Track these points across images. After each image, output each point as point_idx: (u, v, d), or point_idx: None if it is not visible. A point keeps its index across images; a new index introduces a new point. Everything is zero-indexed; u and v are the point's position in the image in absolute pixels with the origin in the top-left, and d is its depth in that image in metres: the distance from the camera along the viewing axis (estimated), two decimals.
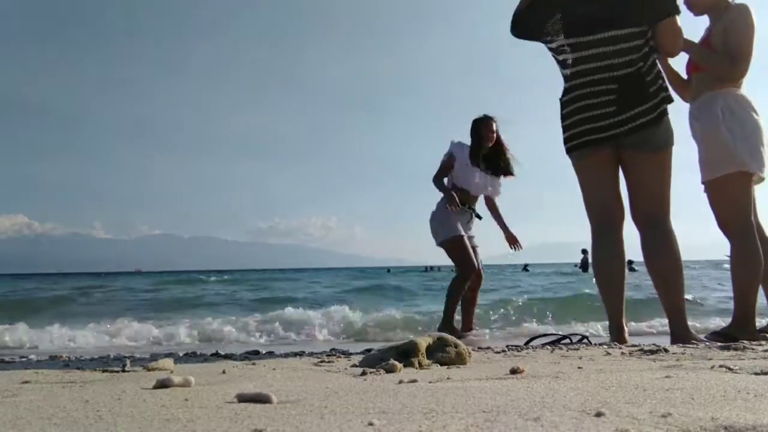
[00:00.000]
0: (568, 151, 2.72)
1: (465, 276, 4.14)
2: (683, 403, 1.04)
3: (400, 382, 1.41)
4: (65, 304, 9.47)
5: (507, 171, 4.35)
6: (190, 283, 17.75)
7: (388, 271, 41.02)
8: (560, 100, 2.75)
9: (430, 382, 1.41)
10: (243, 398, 1.14)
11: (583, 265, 21.28)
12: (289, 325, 4.84)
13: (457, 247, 4.17)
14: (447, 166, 4.29)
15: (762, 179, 2.74)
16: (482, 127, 4.28)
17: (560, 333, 3.44)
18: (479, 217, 4.39)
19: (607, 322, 2.91)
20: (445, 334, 2.02)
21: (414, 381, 1.42)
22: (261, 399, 1.13)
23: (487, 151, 4.25)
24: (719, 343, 2.38)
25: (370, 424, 0.89)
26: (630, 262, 22.61)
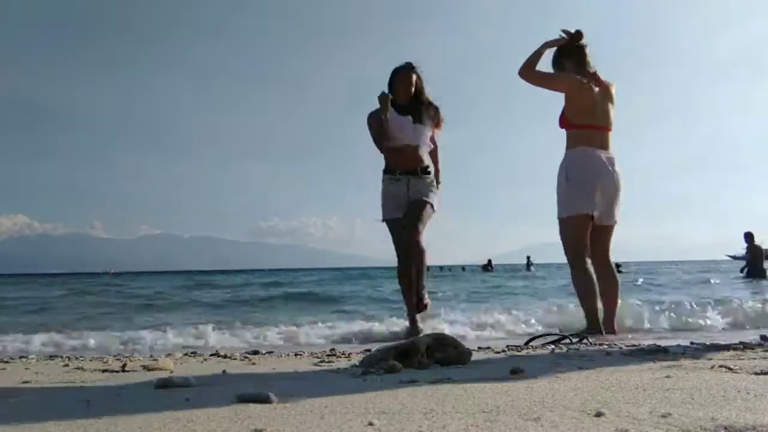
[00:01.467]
0: None
1: (399, 262, 3.82)
2: (683, 403, 1.04)
3: (400, 382, 1.41)
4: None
5: (421, 118, 3.85)
6: (235, 285, 16.21)
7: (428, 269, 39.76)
8: None
9: (430, 382, 1.41)
10: (243, 398, 1.14)
11: None
12: None
13: (389, 231, 3.88)
14: (375, 124, 3.87)
15: (596, 219, 3.39)
16: (395, 79, 3.91)
17: (560, 333, 3.43)
18: (427, 172, 3.87)
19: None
20: (445, 334, 2.02)
21: (414, 381, 1.42)
22: (261, 399, 1.13)
23: (405, 103, 3.86)
24: (576, 338, 2.96)
25: (370, 424, 0.89)
26: (618, 265, 22.60)
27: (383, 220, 3.89)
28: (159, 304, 8.89)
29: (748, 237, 12.77)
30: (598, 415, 0.92)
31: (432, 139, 3.95)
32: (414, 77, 3.89)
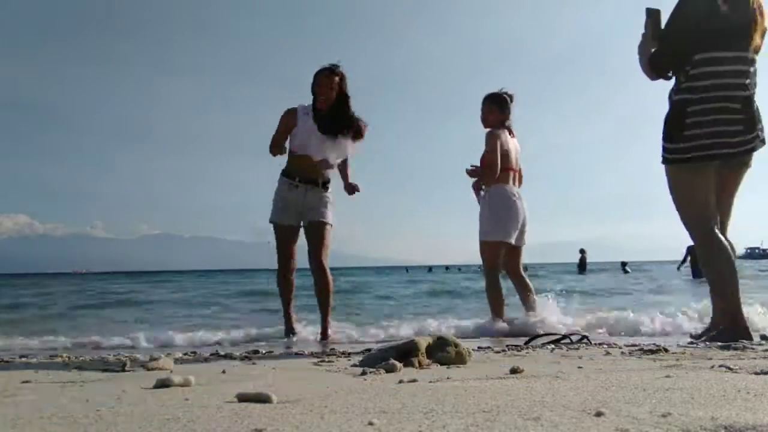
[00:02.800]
0: (689, 160, 2.69)
1: (279, 268, 3.79)
2: (683, 402, 1.04)
3: (400, 381, 1.41)
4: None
5: (339, 131, 3.63)
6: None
7: (430, 270, 40.22)
8: (683, 109, 2.68)
9: (430, 382, 1.41)
10: (243, 398, 1.14)
11: (581, 265, 20.89)
12: None
13: (274, 234, 3.78)
14: (284, 124, 3.71)
15: (511, 244, 4.06)
16: (315, 82, 3.66)
17: (560, 333, 3.44)
18: (326, 187, 3.76)
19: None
20: (445, 334, 2.02)
21: (414, 381, 1.42)
22: (261, 399, 1.13)
23: (325, 110, 3.64)
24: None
25: (370, 423, 0.89)
26: (624, 264, 22.64)
27: (271, 221, 3.78)
28: (95, 303, 9.41)
29: None
30: (598, 414, 0.92)
31: (345, 153, 3.74)
32: (336, 80, 3.64)
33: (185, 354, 2.89)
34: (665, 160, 2.78)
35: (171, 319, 6.02)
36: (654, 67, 2.76)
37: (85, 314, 7.20)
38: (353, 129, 3.68)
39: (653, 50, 2.76)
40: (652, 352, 2.26)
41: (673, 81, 2.78)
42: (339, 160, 3.77)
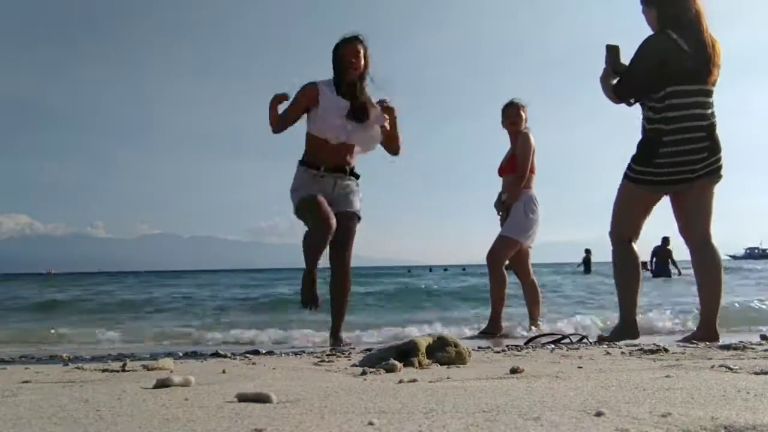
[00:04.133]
0: (658, 183, 2.99)
1: (310, 231, 3.18)
2: (683, 402, 1.04)
3: (400, 381, 1.41)
4: None
5: (364, 115, 3.22)
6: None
7: (430, 270, 40.36)
8: (659, 138, 2.94)
9: (430, 382, 1.41)
10: (243, 398, 1.14)
11: (585, 265, 20.67)
12: None
13: (305, 207, 3.19)
14: (299, 101, 3.25)
15: (528, 246, 4.21)
16: (339, 53, 3.23)
17: (560, 333, 3.44)
18: (356, 176, 3.39)
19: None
20: (445, 334, 2.02)
21: (414, 381, 1.42)
22: (261, 399, 1.13)
23: (352, 85, 3.23)
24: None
25: (370, 423, 0.89)
26: (644, 264, 22.91)
27: (302, 198, 3.20)
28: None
29: (664, 240, 14.98)
30: (598, 414, 0.92)
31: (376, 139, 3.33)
32: (362, 50, 3.24)
33: (185, 353, 2.89)
34: (628, 177, 3.07)
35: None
36: (619, 95, 3.08)
37: None
38: (384, 113, 3.28)
39: (619, 79, 3.08)
40: (652, 352, 2.27)
41: (639, 108, 3.08)
42: (371, 146, 3.35)
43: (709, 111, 2.94)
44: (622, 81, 3.05)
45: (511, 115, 4.19)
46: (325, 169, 3.25)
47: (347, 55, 3.21)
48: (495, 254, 4.13)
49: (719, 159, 2.97)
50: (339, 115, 3.20)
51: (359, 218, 3.39)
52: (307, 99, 3.26)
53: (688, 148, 2.90)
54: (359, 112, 3.21)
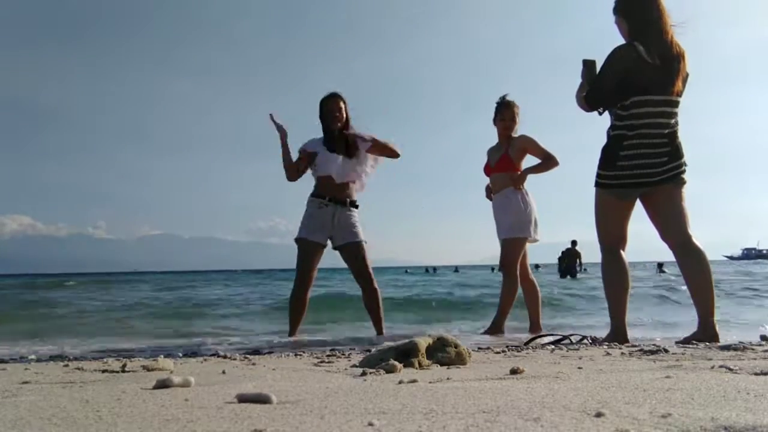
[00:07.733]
0: (620, 186, 3.07)
1: (295, 285, 3.94)
2: (683, 403, 1.04)
3: (400, 382, 1.41)
4: None
5: (350, 151, 3.93)
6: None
7: (456, 270, 40.44)
8: (620, 143, 3.05)
9: (430, 382, 1.41)
10: (243, 398, 1.14)
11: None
12: None
13: (301, 247, 3.93)
14: (303, 160, 3.99)
15: (535, 240, 4.21)
16: (325, 108, 3.97)
17: (560, 333, 3.44)
18: (354, 206, 4.01)
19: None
20: (445, 335, 2.02)
21: (414, 381, 1.42)
22: (261, 399, 1.13)
23: (338, 131, 3.95)
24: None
25: (370, 424, 0.89)
26: (660, 265, 23.85)
27: (298, 239, 3.92)
28: None
29: (573, 243, 17.41)
30: (598, 415, 0.92)
31: (371, 152, 3.95)
32: (341, 104, 3.97)
33: (185, 354, 2.89)
34: (597, 184, 3.16)
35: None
36: (589, 104, 3.17)
37: None
38: (369, 142, 3.93)
39: (589, 89, 3.17)
40: (652, 352, 2.27)
41: (607, 116, 3.17)
42: (364, 176, 4.02)
43: (673, 120, 3.03)
44: (591, 90, 3.16)
45: (507, 118, 4.23)
46: (329, 199, 3.93)
47: (332, 111, 3.96)
48: (506, 259, 4.16)
49: (681, 164, 3.06)
50: (335, 161, 3.91)
51: (365, 242, 3.99)
52: (308, 158, 4.00)
53: (649, 152, 3.00)
54: (350, 149, 3.94)
